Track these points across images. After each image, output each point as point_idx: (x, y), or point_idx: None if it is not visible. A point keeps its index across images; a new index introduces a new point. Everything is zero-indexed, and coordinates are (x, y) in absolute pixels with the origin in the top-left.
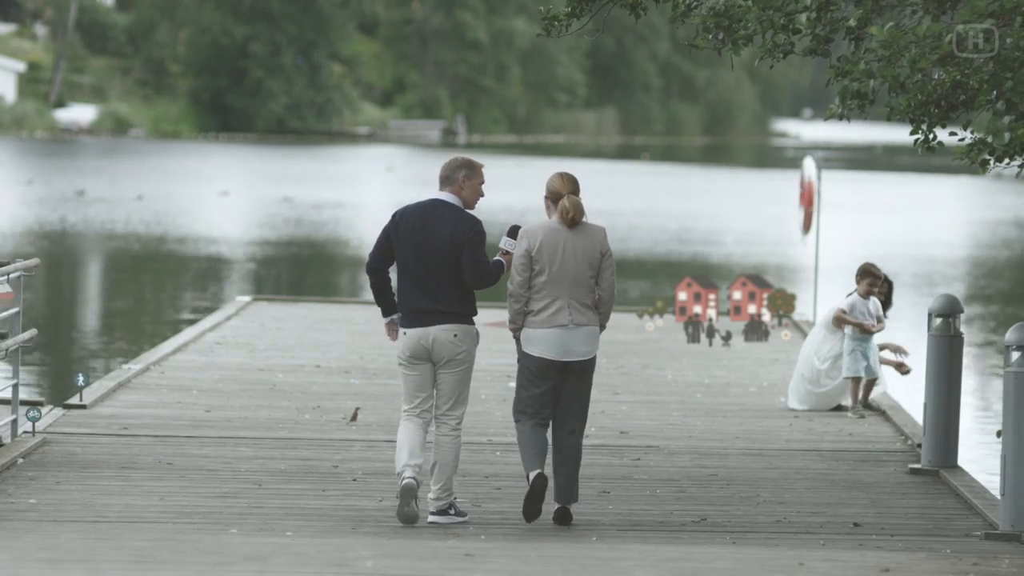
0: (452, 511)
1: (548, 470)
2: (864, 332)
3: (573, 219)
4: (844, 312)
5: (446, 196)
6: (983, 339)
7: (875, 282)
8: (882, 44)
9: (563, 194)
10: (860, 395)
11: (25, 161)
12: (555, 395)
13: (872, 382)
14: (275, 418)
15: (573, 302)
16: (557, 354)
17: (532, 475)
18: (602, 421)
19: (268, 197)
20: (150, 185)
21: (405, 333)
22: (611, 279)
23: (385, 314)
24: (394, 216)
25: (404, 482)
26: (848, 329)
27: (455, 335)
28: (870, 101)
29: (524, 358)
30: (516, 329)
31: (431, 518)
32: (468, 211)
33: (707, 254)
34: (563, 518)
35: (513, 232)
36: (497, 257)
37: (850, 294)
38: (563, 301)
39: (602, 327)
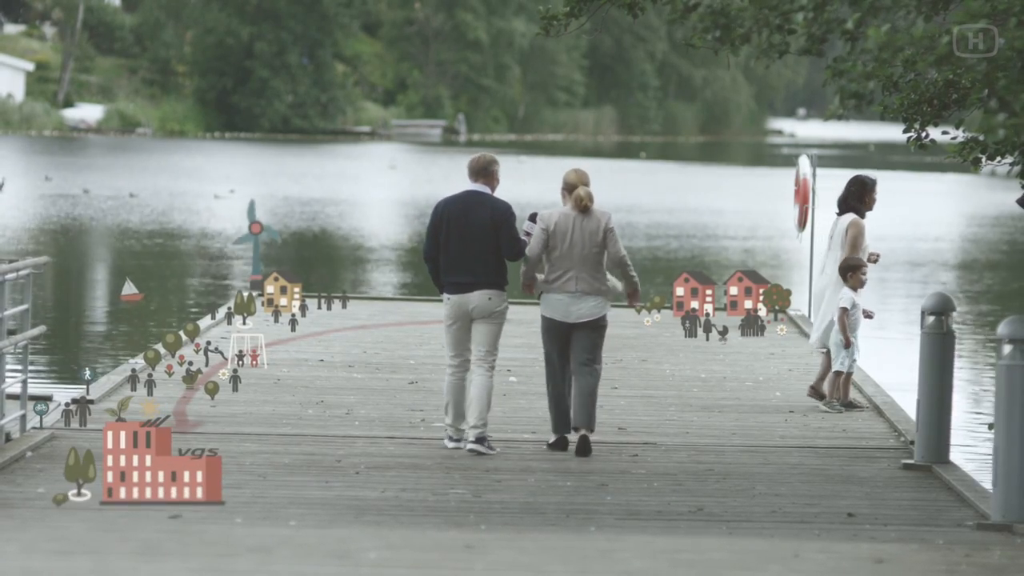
0: (486, 443)
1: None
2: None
3: (585, 206)
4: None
5: (479, 187)
6: (975, 335)
7: (864, 272)
8: (879, 46)
9: (577, 185)
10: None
11: (31, 159)
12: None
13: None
14: (279, 413)
15: (582, 274)
16: (562, 316)
17: (552, 439)
18: (600, 416)
19: (272, 195)
20: (157, 182)
21: (449, 299)
22: (616, 246)
23: (441, 293)
24: (436, 208)
25: (451, 445)
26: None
27: (490, 297)
28: (868, 102)
29: (541, 319)
30: (527, 286)
31: (469, 446)
32: (498, 197)
33: (704, 250)
34: (583, 448)
35: (533, 217)
36: (523, 237)
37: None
38: (573, 272)
39: (631, 283)
